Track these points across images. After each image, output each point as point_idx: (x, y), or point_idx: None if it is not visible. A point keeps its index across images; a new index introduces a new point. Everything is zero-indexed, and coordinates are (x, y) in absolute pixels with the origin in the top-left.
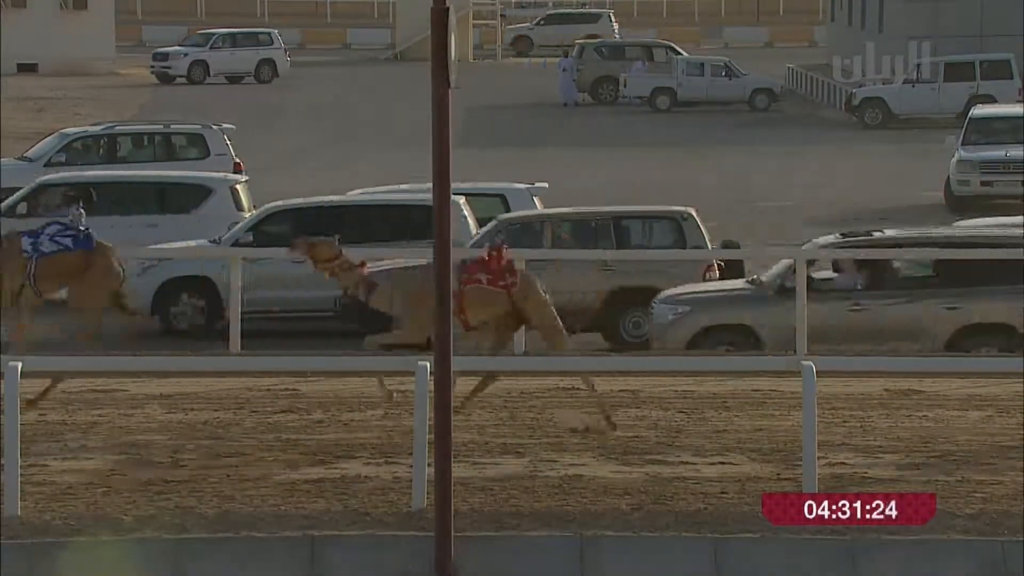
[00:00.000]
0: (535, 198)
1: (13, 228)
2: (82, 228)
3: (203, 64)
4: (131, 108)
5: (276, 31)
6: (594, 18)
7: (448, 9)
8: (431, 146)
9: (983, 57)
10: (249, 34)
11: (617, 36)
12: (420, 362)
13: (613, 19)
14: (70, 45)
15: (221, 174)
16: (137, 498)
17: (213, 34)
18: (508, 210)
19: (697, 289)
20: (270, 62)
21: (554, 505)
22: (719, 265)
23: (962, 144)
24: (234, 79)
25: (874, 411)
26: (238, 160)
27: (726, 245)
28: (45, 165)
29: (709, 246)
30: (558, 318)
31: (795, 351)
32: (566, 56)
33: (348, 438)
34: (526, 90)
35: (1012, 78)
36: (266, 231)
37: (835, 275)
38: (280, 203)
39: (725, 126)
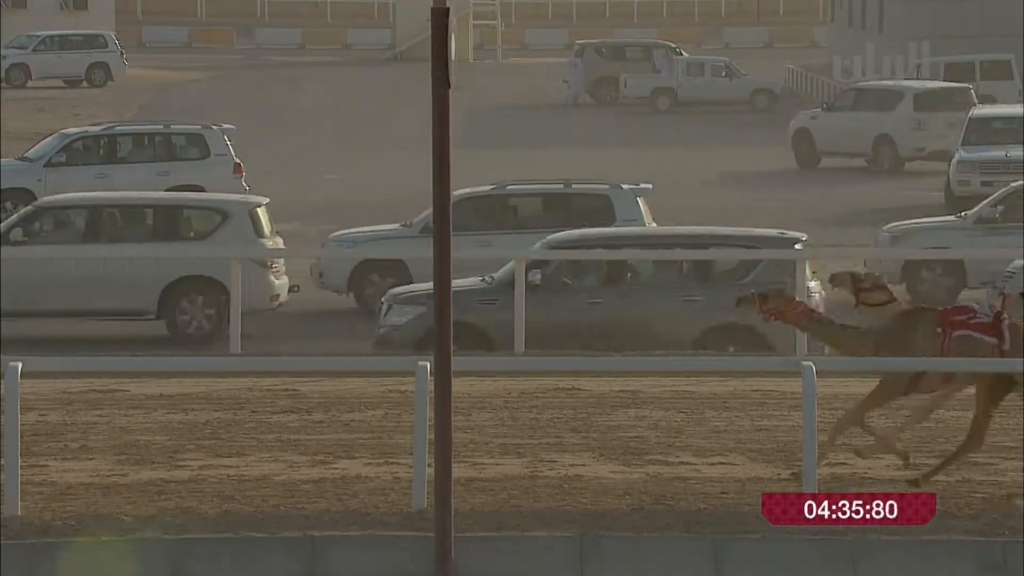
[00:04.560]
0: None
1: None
2: None
3: (23, 67)
4: (131, 108)
5: (112, 33)
6: None
7: (448, 9)
8: (431, 146)
9: (983, 57)
10: (83, 36)
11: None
12: (420, 362)
13: None
14: None
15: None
16: (137, 498)
17: (38, 36)
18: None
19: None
20: (103, 65)
21: (554, 505)
22: None
23: (962, 144)
24: (71, 82)
25: (873, 411)
26: (238, 161)
27: None
28: (45, 165)
29: None
30: None
31: (795, 351)
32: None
33: (348, 438)
34: (526, 90)
35: (1012, 78)
36: None
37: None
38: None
39: (725, 126)
